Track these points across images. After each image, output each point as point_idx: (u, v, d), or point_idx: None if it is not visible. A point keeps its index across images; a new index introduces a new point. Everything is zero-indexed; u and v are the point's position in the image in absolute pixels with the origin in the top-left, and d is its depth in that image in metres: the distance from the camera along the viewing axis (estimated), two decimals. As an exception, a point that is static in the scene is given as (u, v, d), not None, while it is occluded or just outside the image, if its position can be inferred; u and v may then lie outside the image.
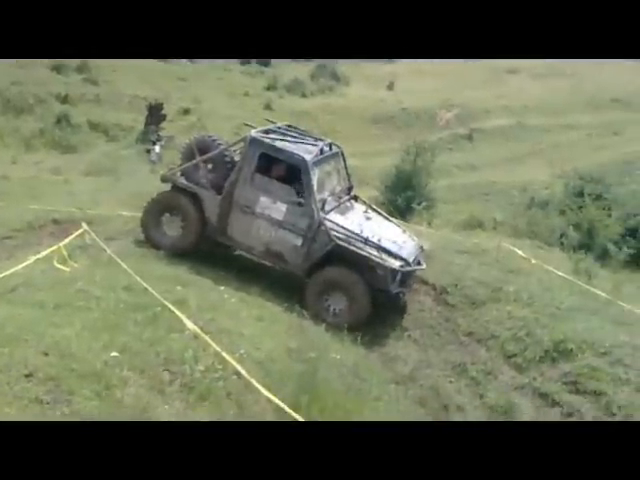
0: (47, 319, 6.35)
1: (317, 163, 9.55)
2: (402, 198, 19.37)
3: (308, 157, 9.34)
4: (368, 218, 10.00)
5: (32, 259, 7.91)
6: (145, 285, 7.43)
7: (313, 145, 9.93)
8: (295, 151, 9.49)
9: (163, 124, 24.51)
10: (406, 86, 42.82)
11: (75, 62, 32.60)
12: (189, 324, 6.66)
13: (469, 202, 22.82)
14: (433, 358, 8.88)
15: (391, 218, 10.73)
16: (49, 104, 27.84)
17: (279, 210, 9.40)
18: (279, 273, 10.03)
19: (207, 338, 6.46)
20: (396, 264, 9.16)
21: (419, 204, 18.54)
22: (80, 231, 9.09)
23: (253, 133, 9.67)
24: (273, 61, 45.18)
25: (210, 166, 9.85)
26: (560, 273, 10.88)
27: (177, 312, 6.87)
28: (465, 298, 9.92)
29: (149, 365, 5.85)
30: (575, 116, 34.96)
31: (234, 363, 6.21)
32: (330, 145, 10.29)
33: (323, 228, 9.21)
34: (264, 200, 9.43)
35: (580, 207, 17.21)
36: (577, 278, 10.83)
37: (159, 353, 6.10)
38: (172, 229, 9.85)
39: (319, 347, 7.64)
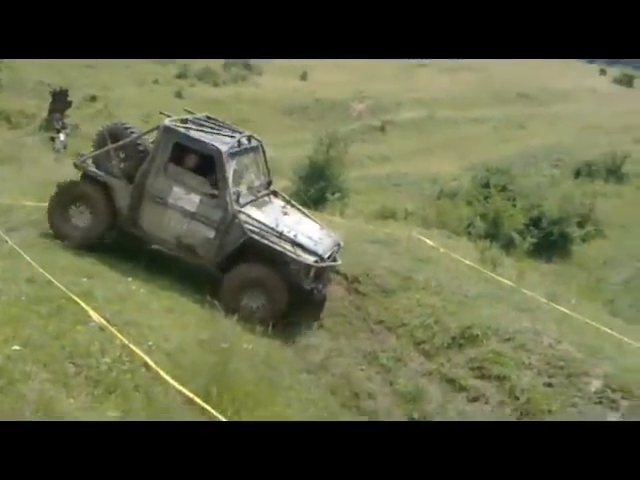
0: (-57, 313, 6.06)
1: (233, 155, 9.36)
2: (315, 189, 19.52)
3: (223, 148, 9.16)
4: (285, 213, 9.91)
5: None
6: (49, 277, 7.18)
7: (230, 137, 9.74)
8: (210, 141, 9.29)
9: (68, 111, 23.75)
10: (319, 77, 43.06)
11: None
12: (95, 316, 6.49)
13: (381, 193, 23.18)
14: (345, 346, 8.95)
15: (309, 214, 10.69)
16: (-54, 90, 26.60)
17: (192, 201, 9.17)
18: (190, 265, 9.89)
19: (114, 330, 6.31)
20: (310, 259, 9.08)
21: (332, 194, 18.74)
22: (-21, 222, 8.71)
23: (167, 122, 9.45)
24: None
25: (123, 155, 9.56)
26: (467, 262, 11.17)
27: (82, 304, 6.67)
28: (376, 287, 10.05)
29: (53, 358, 5.66)
30: (482, 109, 36.00)
31: (142, 355, 6.09)
32: (249, 138, 10.12)
33: (237, 221, 9.04)
34: (177, 191, 9.20)
35: (486, 198, 17.81)
36: (483, 266, 11.15)
37: (64, 346, 5.91)
38: (80, 220, 9.52)
39: (230, 338, 7.57)
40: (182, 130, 9.40)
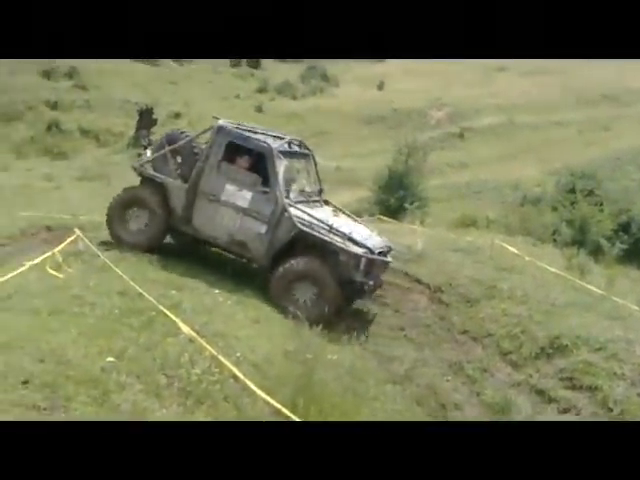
0: (42, 326, 6.33)
1: (284, 154, 9.57)
2: (395, 198, 19.43)
3: (274, 145, 9.40)
4: (335, 215, 10.03)
5: (26, 266, 7.87)
6: (140, 290, 7.41)
7: (280, 138, 9.98)
8: (261, 139, 9.56)
9: (154, 128, 24.54)
10: (396, 86, 42.95)
11: (64, 68, 32.61)
12: (184, 328, 6.64)
13: (462, 200, 22.90)
14: (429, 357, 8.88)
15: (359, 219, 10.71)
16: (39, 111, 27.87)
17: (244, 198, 9.34)
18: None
19: (202, 342, 6.45)
20: (359, 250, 9.11)
21: (412, 203, 18.61)
22: (73, 237, 9.06)
23: (221, 122, 9.71)
24: (263, 63, 45.30)
25: (179, 159, 9.85)
26: (553, 269, 10.92)
27: (172, 316, 6.85)
28: (460, 296, 9.94)
29: (146, 370, 5.83)
30: (565, 113, 35.10)
31: (230, 366, 6.20)
32: (300, 143, 10.35)
33: (287, 214, 9.14)
34: (230, 188, 9.39)
35: (572, 203, 17.31)
36: (571, 274, 10.88)
37: (155, 358, 6.08)
38: (137, 223, 9.80)
39: (315, 348, 7.63)
40: (235, 129, 9.66)
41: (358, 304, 9.98)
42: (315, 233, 9.08)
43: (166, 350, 6.26)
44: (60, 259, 8.32)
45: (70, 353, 5.75)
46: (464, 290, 10.03)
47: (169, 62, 41.56)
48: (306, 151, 10.46)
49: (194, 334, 6.58)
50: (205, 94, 35.68)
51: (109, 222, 9.92)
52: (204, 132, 10.17)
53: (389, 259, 9.75)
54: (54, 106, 28.70)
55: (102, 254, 8.67)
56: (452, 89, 41.28)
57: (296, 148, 10.19)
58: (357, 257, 9.02)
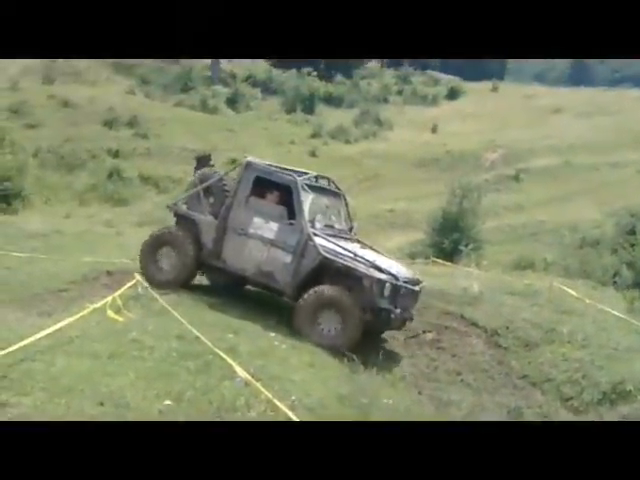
0: (102, 369, 6.47)
1: (311, 188, 9.81)
2: (449, 240, 19.28)
3: (299, 178, 9.64)
4: (363, 247, 10.11)
5: (87, 310, 8.07)
6: (197, 333, 7.52)
7: (306, 174, 10.22)
8: (287, 173, 9.86)
9: (211, 175, 25.01)
10: (450, 129, 42.97)
11: (125, 117, 33.66)
12: (240, 371, 6.70)
13: (518, 243, 22.59)
14: (487, 402, 8.70)
15: (388, 255, 10.75)
16: (101, 159, 28.70)
17: (271, 229, 9.56)
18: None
19: (258, 385, 6.48)
20: (383, 276, 9.08)
21: (466, 246, 18.45)
22: (133, 282, 9.27)
23: (249, 158, 10.08)
24: (317, 109, 45.94)
25: (212, 199, 10.13)
26: (615, 313, 10.66)
27: (228, 360, 6.92)
28: (518, 340, 9.78)
29: (202, 413, 5.88)
30: (622, 154, 34.49)
31: (286, 410, 6.20)
32: (329, 181, 10.60)
33: (311, 243, 9.25)
34: (257, 221, 9.63)
35: (633, 245, 16.89)
36: (633, 317, 10.60)
37: (212, 401, 6.14)
38: (168, 262, 10.01)
39: (370, 393, 7.59)
40: (262, 164, 10.02)
41: (411, 349, 9.89)
42: (339, 260, 9.16)
43: (222, 393, 6.31)
44: (120, 303, 8.50)
45: (128, 396, 5.86)
46: (522, 334, 9.87)
47: (226, 110, 42.55)
48: (336, 190, 10.67)
49: (250, 377, 6.62)
50: (261, 141, 36.30)
51: (142, 262, 10.19)
52: (234, 169, 10.57)
53: (417, 288, 9.69)
54: (115, 154, 29.57)
55: (160, 298, 8.84)
56: (506, 131, 41.08)
57: (324, 184, 10.44)
58: (381, 282, 9.03)
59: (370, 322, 9.14)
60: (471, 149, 37.81)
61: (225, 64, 52.72)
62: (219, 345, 7.32)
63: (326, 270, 9.24)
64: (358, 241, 10.52)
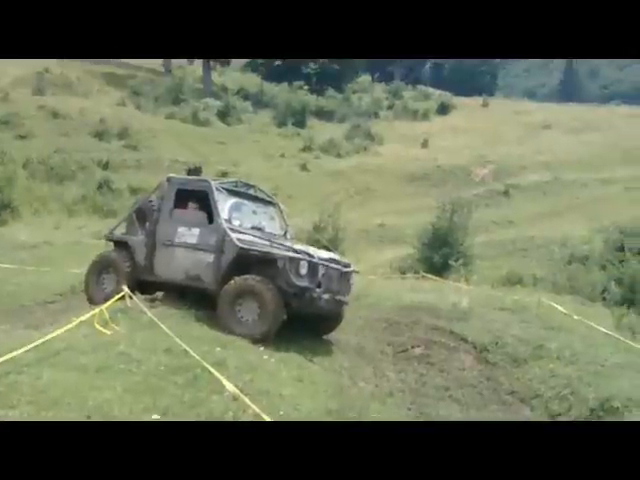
0: (89, 382, 6.45)
1: (229, 192, 10.18)
2: (439, 255, 19.29)
3: (214, 182, 10.11)
4: (290, 241, 10.30)
5: (74, 323, 8.04)
6: (185, 347, 7.50)
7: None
8: (203, 179, 10.50)
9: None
10: (440, 144, 43.16)
11: (116, 129, 33.64)
12: (229, 386, 6.68)
13: (507, 258, 22.64)
14: (475, 418, 8.70)
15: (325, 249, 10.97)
16: (91, 170, 28.65)
17: (193, 235, 9.88)
18: (317, 336, 10.04)
19: (246, 399, 6.46)
20: (295, 255, 9.28)
21: (456, 261, 18.47)
22: (121, 294, 9.24)
23: (170, 175, 10.64)
24: (309, 122, 46.07)
25: (147, 221, 10.36)
26: (603, 329, 10.69)
27: (217, 374, 6.90)
28: (506, 356, 9.78)
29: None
30: (612, 170, 34.75)
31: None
32: (255, 188, 11.06)
33: (228, 238, 9.49)
34: (181, 230, 9.97)
35: (621, 261, 16.95)
36: (621, 334, 10.64)
37: (200, 415, 6.12)
38: (109, 284, 10.21)
39: (359, 408, 7.58)
40: (182, 178, 10.61)
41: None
42: (255, 248, 9.39)
43: (210, 407, 6.30)
44: (108, 316, 8.47)
45: (116, 409, 5.84)
46: (511, 350, 9.87)
47: (217, 122, 42.59)
48: (267, 198, 11.18)
49: (238, 392, 6.60)
50: (252, 153, 36.34)
51: (86, 283, 10.44)
52: (157, 188, 10.79)
53: (342, 269, 9.84)
54: (105, 166, 29.53)
55: (149, 311, 8.80)
56: (496, 147, 41.32)
57: (250, 191, 10.87)
58: (294, 260, 9.20)
59: (294, 304, 9.29)
60: (461, 164, 38.00)
61: (216, 77, 52.87)
62: (207, 359, 7.29)
63: (245, 261, 9.41)
64: (293, 241, 10.66)
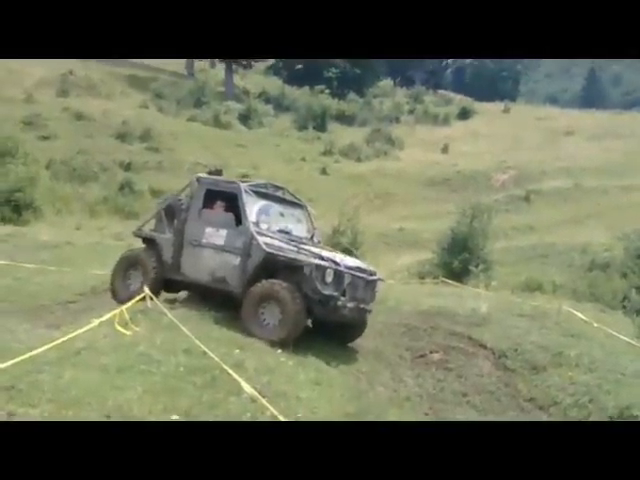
0: (109, 382, 6.50)
1: (258, 195, 10.15)
2: (458, 260, 19.21)
3: (243, 185, 10.05)
4: (317, 247, 10.26)
5: (95, 323, 8.11)
6: (204, 348, 7.55)
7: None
8: (233, 181, 10.43)
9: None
10: (461, 149, 43.02)
11: (138, 131, 33.88)
12: (247, 387, 6.71)
13: (527, 264, 22.50)
14: (493, 424, 8.67)
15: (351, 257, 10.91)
16: (113, 172, 28.88)
17: (221, 236, 9.88)
18: (334, 340, 10.05)
19: (264, 402, 6.49)
20: (322, 262, 9.24)
21: (476, 266, 18.40)
22: (142, 295, 9.31)
23: (199, 174, 10.65)
24: (329, 127, 46.11)
25: (175, 220, 10.38)
26: (623, 337, 10.61)
27: (235, 375, 6.94)
28: (525, 363, 9.73)
29: (208, 428, 5.89)
30: (633, 177, 34.41)
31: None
32: (283, 190, 10.98)
33: (255, 242, 9.47)
34: (209, 230, 9.98)
35: (642, 269, 16.81)
36: (641, 343, 10.54)
37: (218, 416, 6.16)
38: (136, 281, 10.25)
39: (376, 412, 7.59)
40: (211, 178, 10.52)
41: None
42: (282, 254, 9.36)
43: (228, 409, 6.34)
44: (128, 317, 8.54)
45: (135, 410, 5.89)
46: (530, 356, 9.82)
47: (238, 126, 42.77)
48: (295, 200, 11.10)
49: (256, 394, 6.64)
50: (272, 157, 36.44)
51: (112, 281, 10.49)
52: (186, 187, 10.79)
53: (367, 277, 9.79)
54: (127, 167, 29.76)
55: (169, 312, 8.87)
56: (517, 152, 41.10)
57: (278, 193, 10.82)
58: (320, 268, 9.18)
59: (318, 312, 9.30)
60: (482, 169, 37.84)
61: (238, 80, 53.09)
62: (226, 361, 7.34)
63: (272, 266, 9.42)
64: (319, 246, 10.66)
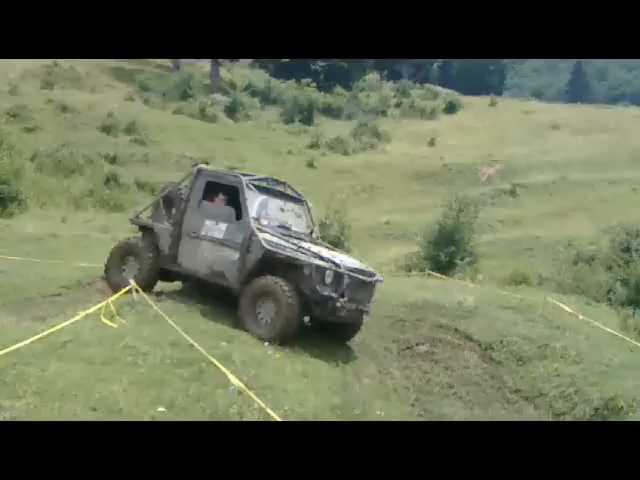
0: (95, 375, 6.48)
1: (259, 189, 10.09)
2: (444, 253, 19.31)
3: (245, 178, 9.98)
4: (316, 244, 10.23)
5: (81, 315, 8.07)
6: (191, 341, 7.53)
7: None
8: (234, 175, 10.35)
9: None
10: (447, 142, 43.08)
11: (124, 123, 33.66)
12: (234, 380, 6.70)
13: (513, 257, 22.63)
14: (479, 416, 8.71)
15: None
16: (98, 164, 28.65)
17: (220, 230, 9.83)
18: (321, 332, 10.05)
19: (251, 394, 6.49)
20: (322, 263, 9.19)
21: (462, 259, 18.50)
22: (127, 288, 9.27)
23: (200, 166, 10.58)
24: (316, 120, 46.06)
25: (174, 209, 10.39)
26: (608, 329, 10.70)
27: (222, 368, 6.92)
28: (511, 355, 9.80)
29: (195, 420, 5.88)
30: (619, 171, 34.61)
31: (278, 419, 6.21)
32: (284, 185, 10.91)
33: (255, 238, 9.42)
34: (208, 223, 9.93)
35: (627, 262, 16.95)
36: (626, 334, 10.63)
37: (204, 409, 6.15)
38: (131, 270, 10.21)
39: (363, 403, 7.60)
40: (212, 169, 10.52)
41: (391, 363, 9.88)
42: (281, 252, 9.30)
43: (215, 401, 6.33)
44: (114, 309, 8.50)
45: (122, 402, 5.87)
46: (516, 348, 9.89)
47: (224, 118, 42.62)
48: (295, 195, 10.98)
49: (243, 386, 6.63)
50: (259, 150, 36.34)
51: (106, 270, 10.49)
52: (186, 177, 10.74)
53: (367, 279, 9.72)
54: (113, 160, 29.55)
55: (155, 305, 8.83)
56: (504, 146, 41.21)
57: (279, 188, 10.76)
58: (321, 269, 9.13)
59: (316, 312, 9.27)
60: (468, 163, 37.91)
61: (225, 72, 52.87)
62: (213, 353, 7.32)
63: (271, 263, 9.36)
64: (318, 243, 10.63)
